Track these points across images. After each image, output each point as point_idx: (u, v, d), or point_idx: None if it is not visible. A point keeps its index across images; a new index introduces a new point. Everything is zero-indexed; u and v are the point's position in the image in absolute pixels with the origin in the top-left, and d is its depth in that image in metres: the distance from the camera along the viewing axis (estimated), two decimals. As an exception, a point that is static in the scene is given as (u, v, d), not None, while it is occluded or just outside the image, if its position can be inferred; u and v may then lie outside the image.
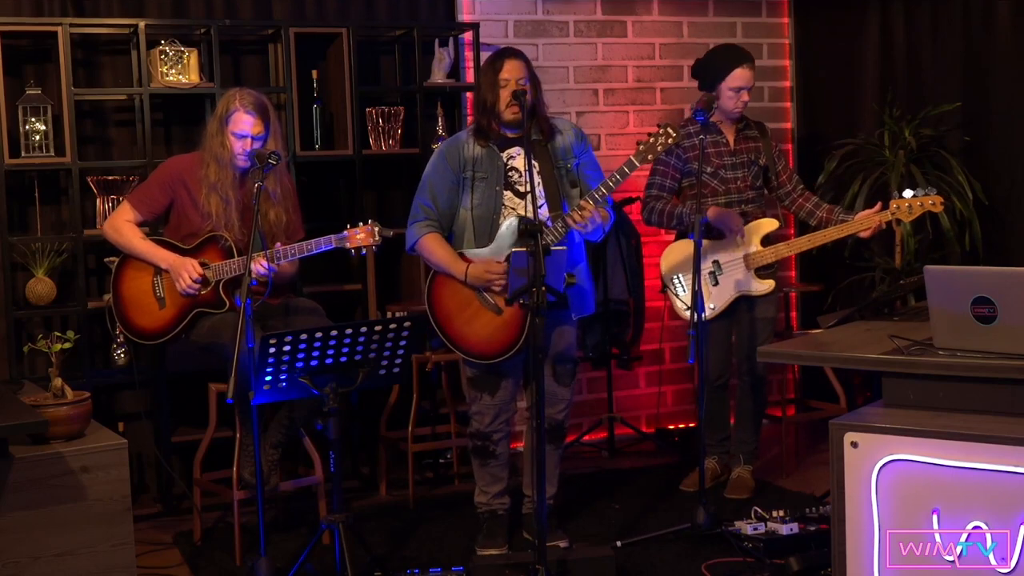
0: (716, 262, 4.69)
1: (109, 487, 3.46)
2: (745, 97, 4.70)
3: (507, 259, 3.98)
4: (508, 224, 4.06)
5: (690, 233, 4.46)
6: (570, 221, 3.95)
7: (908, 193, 4.43)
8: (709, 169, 4.71)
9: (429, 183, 4.16)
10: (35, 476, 3.36)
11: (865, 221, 4.49)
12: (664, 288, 4.79)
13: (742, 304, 4.74)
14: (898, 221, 4.50)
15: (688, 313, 4.62)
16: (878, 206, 4.51)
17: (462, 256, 4.08)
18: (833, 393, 5.42)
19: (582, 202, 3.95)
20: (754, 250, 4.68)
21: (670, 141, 3.95)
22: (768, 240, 4.70)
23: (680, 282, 4.72)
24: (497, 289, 4.01)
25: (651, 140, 3.96)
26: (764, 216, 4.76)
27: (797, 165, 6.24)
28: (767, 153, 4.79)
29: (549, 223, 3.99)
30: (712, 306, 4.67)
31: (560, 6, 5.76)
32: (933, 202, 4.39)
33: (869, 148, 5.50)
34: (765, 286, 4.70)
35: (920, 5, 5.54)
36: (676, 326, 5.60)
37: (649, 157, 3.99)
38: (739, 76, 4.65)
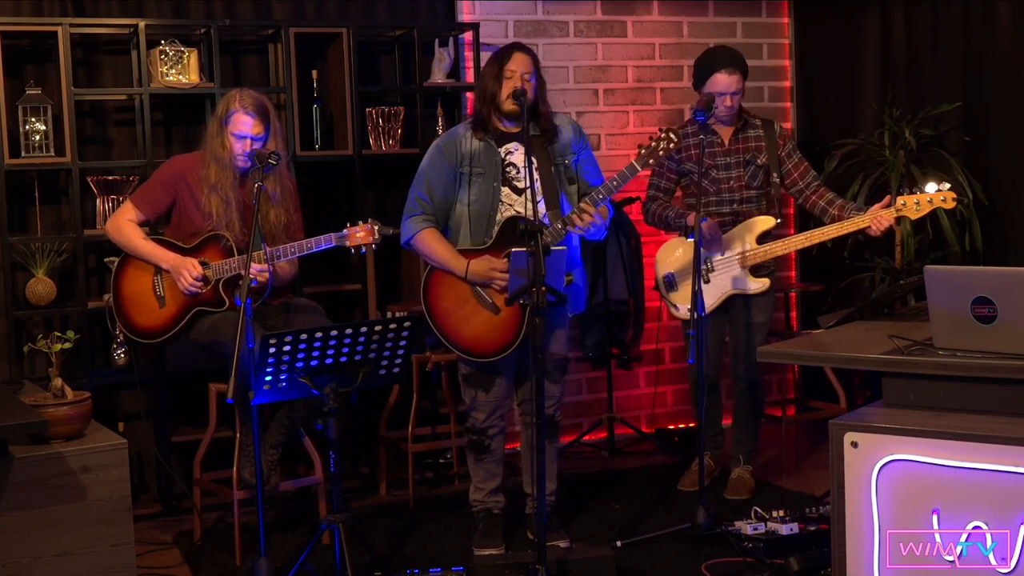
0: (708, 259, 4.66)
1: (109, 487, 3.46)
2: (728, 101, 4.62)
3: (507, 256, 4.00)
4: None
5: (690, 234, 4.46)
6: (570, 225, 3.96)
7: (916, 189, 4.30)
8: (702, 169, 4.70)
9: (426, 176, 4.14)
10: (35, 476, 3.36)
11: (867, 219, 4.35)
12: (657, 287, 4.80)
13: (737, 304, 4.72)
14: (899, 220, 4.38)
15: (680, 312, 4.65)
16: (887, 199, 4.35)
17: (462, 252, 4.08)
18: (833, 393, 5.42)
19: (583, 204, 3.96)
20: (749, 248, 4.66)
21: (672, 146, 3.96)
22: (764, 238, 4.68)
23: (673, 281, 4.72)
24: (498, 286, 4.01)
25: (653, 144, 3.97)
26: (762, 214, 4.73)
27: (797, 165, 6.25)
28: (770, 152, 4.72)
29: (547, 220, 4.00)
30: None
31: (560, 6, 5.76)
32: (944, 198, 4.22)
33: (869, 148, 5.50)
34: (760, 284, 4.66)
35: (920, 5, 5.55)
36: (675, 326, 5.60)
37: (651, 161, 4.01)
38: (718, 81, 4.60)
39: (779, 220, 4.70)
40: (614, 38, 5.87)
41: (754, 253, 4.64)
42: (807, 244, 4.60)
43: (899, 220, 4.40)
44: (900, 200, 4.28)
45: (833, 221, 4.54)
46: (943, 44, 5.43)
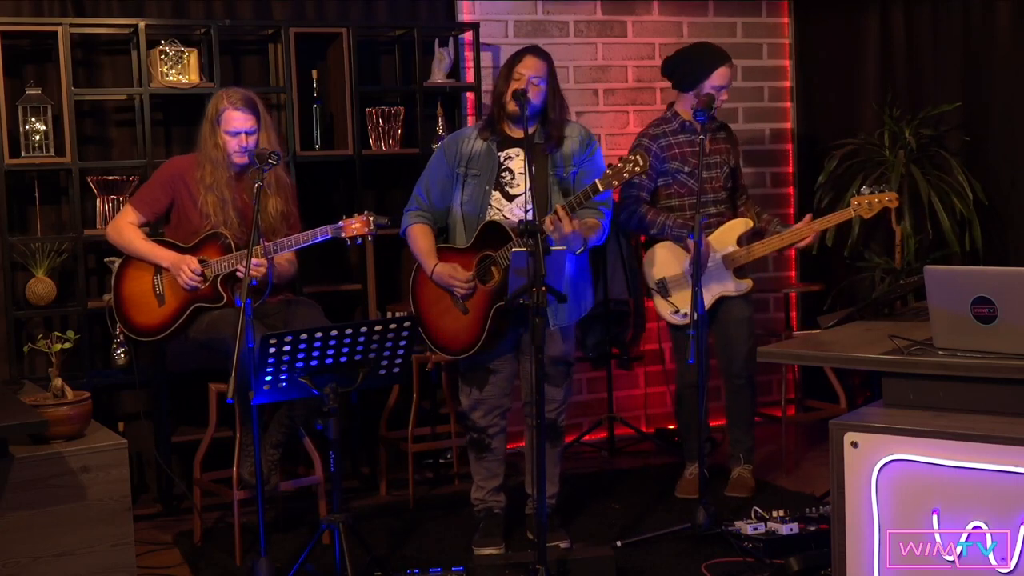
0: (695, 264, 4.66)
1: (109, 487, 3.46)
2: (724, 96, 4.70)
3: (479, 262, 4.03)
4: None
5: (690, 234, 4.46)
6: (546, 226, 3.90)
7: (865, 190, 4.58)
8: (687, 169, 4.71)
9: (427, 174, 4.25)
10: (35, 476, 3.36)
11: (801, 231, 4.62)
12: (650, 293, 4.80)
13: (725, 305, 4.74)
14: (861, 218, 4.62)
15: (675, 317, 4.67)
16: (807, 218, 4.63)
17: (441, 251, 4.13)
18: (833, 393, 5.42)
19: (558, 207, 3.91)
20: (731, 250, 4.69)
21: (637, 169, 3.92)
22: (741, 240, 4.72)
23: (666, 286, 4.71)
24: (458, 294, 4.06)
25: (620, 166, 3.94)
26: (735, 216, 4.78)
27: (797, 165, 6.25)
28: (734, 154, 4.86)
29: None
30: None
31: (560, 6, 5.76)
32: (890, 198, 4.54)
33: (869, 148, 5.50)
34: (745, 285, 4.72)
35: (920, 5, 5.55)
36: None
37: (614, 183, 3.96)
38: (722, 75, 4.66)
39: (754, 222, 4.77)
40: (614, 38, 5.87)
41: (739, 255, 4.68)
42: (781, 245, 4.73)
43: (855, 220, 4.76)
44: (855, 201, 4.55)
45: (760, 229, 4.79)
46: (943, 44, 5.43)
